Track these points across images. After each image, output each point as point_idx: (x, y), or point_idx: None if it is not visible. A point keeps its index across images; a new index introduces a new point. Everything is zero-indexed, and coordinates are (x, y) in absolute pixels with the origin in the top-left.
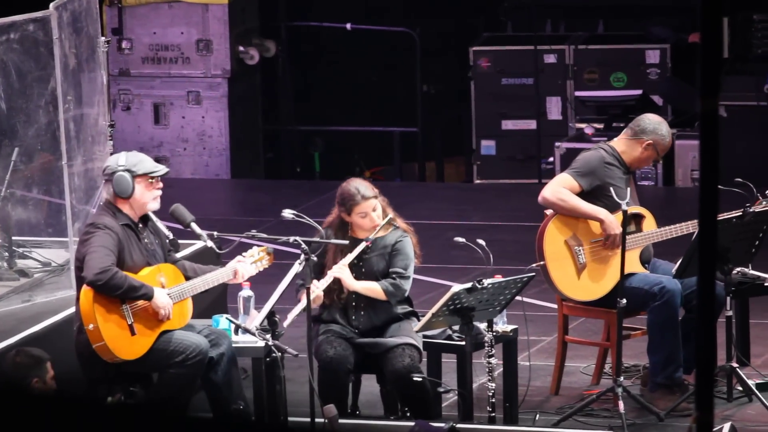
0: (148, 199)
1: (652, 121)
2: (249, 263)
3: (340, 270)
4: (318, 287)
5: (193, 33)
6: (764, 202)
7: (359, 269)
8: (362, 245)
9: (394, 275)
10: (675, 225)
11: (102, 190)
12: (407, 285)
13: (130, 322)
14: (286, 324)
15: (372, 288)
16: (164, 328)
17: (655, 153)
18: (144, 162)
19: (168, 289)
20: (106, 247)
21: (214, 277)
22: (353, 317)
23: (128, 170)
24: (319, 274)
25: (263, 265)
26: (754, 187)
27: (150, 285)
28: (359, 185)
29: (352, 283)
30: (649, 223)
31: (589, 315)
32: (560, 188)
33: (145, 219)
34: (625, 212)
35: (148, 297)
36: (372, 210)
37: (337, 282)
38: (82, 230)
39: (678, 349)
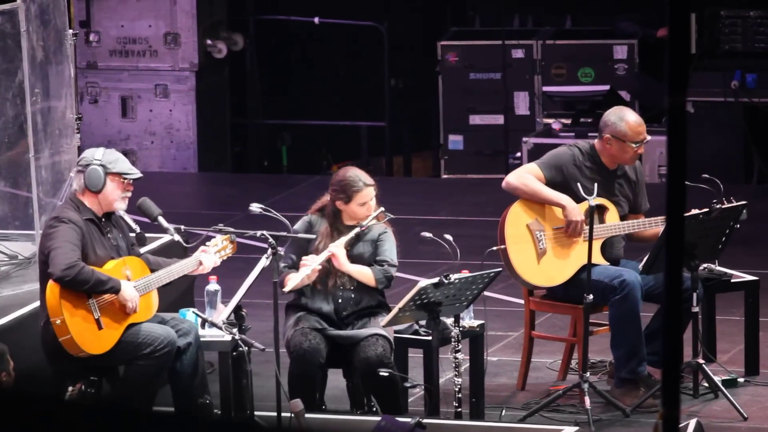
0: (116, 197)
1: (608, 114)
2: (212, 252)
3: (338, 248)
4: (315, 262)
5: (160, 26)
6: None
7: (347, 255)
8: (357, 230)
9: (383, 263)
10: (638, 220)
11: (73, 181)
12: (394, 273)
13: (96, 317)
14: (286, 290)
15: (363, 272)
16: (131, 321)
17: (620, 143)
18: (120, 162)
19: (134, 282)
20: (70, 242)
21: (178, 268)
22: (339, 300)
23: (103, 165)
24: (304, 254)
25: (227, 253)
26: (721, 183)
27: (117, 278)
28: (359, 173)
29: (345, 262)
30: (612, 215)
31: (555, 310)
32: (525, 173)
33: (108, 213)
34: (592, 207)
35: (115, 290)
36: (370, 199)
37: (323, 266)
38: (45, 224)
39: (640, 343)
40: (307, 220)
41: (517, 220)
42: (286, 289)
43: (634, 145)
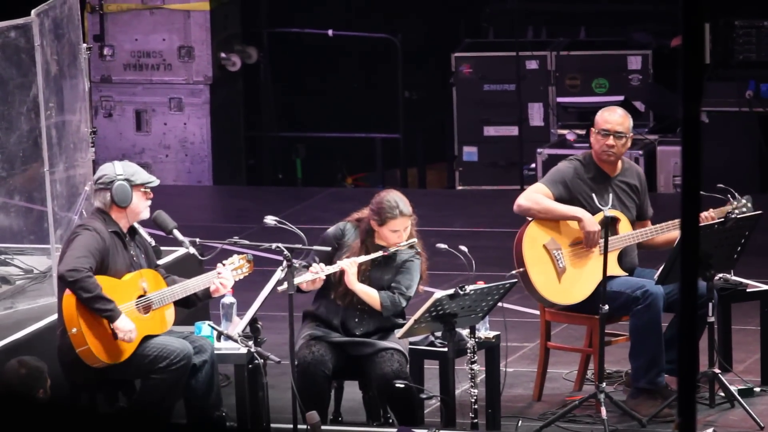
0: (142, 208)
1: None
2: (229, 270)
3: (350, 264)
4: (323, 270)
5: (174, 40)
6: (734, 203)
7: (365, 274)
8: (379, 253)
9: (395, 290)
10: (651, 227)
11: (90, 198)
12: (404, 303)
13: (112, 326)
14: (280, 288)
15: (370, 294)
16: (147, 333)
17: (592, 135)
18: (139, 172)
19: (150, 294)
20: (87, 248)
21: (194, 283)
22: (356, 320)
23: (127, 180)
24: (328, 261)
25: (243, 272)
26: (736, 192)
27: (119, 309)
28: (399, 200)
29: (353, 280)
30: (625, 225)
31: (571, 321)
32: (534, 194)
33: (132, 232)
34: (607, 218)
35: (111, 318)
36: (404, 228)
37: (340, 280)
38: (70, 231)
39: (660, 354)
40: (341, 226)
41: (533, 241)
42: (280, 288)
43: (597, 133)
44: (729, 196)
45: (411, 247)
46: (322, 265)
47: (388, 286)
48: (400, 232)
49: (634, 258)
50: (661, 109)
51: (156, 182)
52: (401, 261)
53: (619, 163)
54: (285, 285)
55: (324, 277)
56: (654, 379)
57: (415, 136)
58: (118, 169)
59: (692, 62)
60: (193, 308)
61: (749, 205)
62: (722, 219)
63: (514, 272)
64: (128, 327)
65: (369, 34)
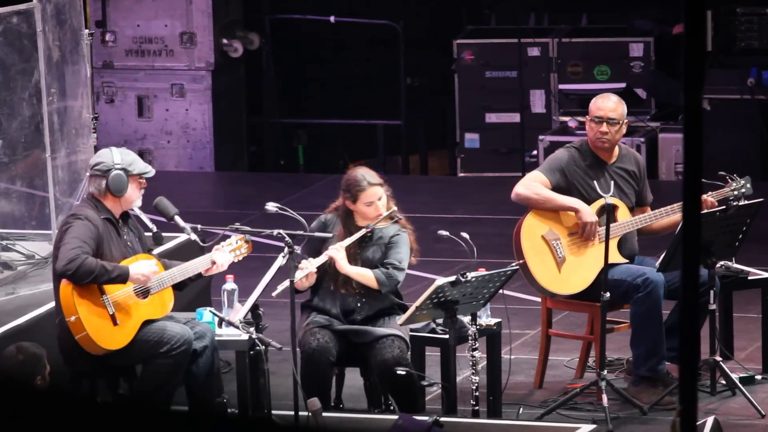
0: (136, 197)
1: None
2: (227, 251)
3: (336, 251)
4: (312, 264)
5: (176, 25)
6: (733, 184)
7: (355, 257)
8: (362, 231)
9: (388, 265)
10: (649, 213)
11: (87, 184)
12: (401, 277)
13: (111, 312)
14: (275, 294)
15: (364, 274)
16: (146, 318)
17: (588, 122)
18: (136, 162)
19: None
20: (80, 237)
21: (192, 266)
22: (358, 304)
23: (124, 169)
24: (317, 255)
25: (242, 253)
26: (735, 174)
27: (123, 266)
28: (365, 173)
29: (345, 265)
30: (623, 213)
31: (572, 308)
32: (532, 182)
33: (124, 217)
34: (608, 205)
35: (123, 279)
36: (377, 199)
37: (334, 268)
38: (62, 221)
39: (661, 341)
40: (322, 219)
41: (531, 232)
42: (275, 293)
43: (590, 120)
44: (728, 177)
45: (392, 217)
46: (310, 259)
47: (380, 264)
48: (375, 204)
49: (635, 245)
50: (663, 96)
51: (152, 173)
52: (388, 237)
53: (616, 150)
54: (281, 287)
55: (315, 271)
56: (654, 366)
57: (416, 122)
58: (116, 158)
59: (694, 49)
60: (193, 294)
61: (748, 185)
62: (724, 207)
63: (514, 264)
64: (144, 271)
65: (371, 20)
